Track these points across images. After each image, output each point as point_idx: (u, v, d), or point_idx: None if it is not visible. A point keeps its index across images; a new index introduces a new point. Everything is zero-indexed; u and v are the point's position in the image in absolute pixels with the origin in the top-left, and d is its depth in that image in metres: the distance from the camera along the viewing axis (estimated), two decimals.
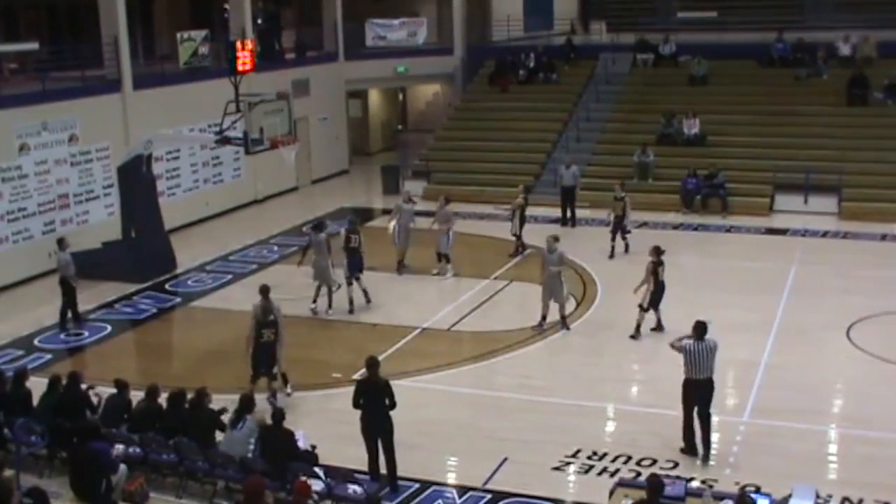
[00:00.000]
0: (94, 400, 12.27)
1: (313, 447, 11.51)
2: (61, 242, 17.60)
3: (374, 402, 11.29)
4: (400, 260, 19.95)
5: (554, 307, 16.67)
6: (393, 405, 11.30)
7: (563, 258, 16.67)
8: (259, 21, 28.53)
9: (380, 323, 17.33)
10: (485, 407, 13.96)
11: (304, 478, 10.35)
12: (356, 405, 11.37)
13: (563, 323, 16.73)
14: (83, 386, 12.34)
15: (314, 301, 17.78)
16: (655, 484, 9.29)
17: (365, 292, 18.08)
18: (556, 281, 16.57)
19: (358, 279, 17.93)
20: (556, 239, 16.84)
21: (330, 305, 17.77)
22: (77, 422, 11.49)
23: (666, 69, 30.11)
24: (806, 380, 14.47)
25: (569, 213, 23.87)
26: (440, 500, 11.25)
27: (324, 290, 17.81)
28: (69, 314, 17.47)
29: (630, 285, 15.84)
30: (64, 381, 12.28)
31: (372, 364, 11.43)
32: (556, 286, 16.58)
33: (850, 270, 19.82)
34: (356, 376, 14.73)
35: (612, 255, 20.66)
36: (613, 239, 20.75)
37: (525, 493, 11.30)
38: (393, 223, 20.04)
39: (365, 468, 11.40)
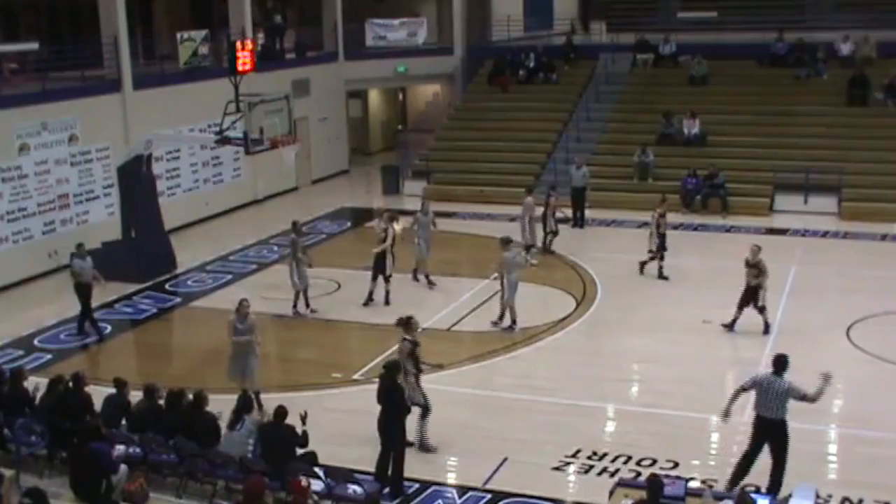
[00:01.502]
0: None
1: (304, 414, 11.12)
2: (80, 248, 17.19)
3: (387, 404, 11.39)
4: (415, 268, 19.66)
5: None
6: (404, 410, 11.39)
7: (503, 262, 16.61)
8: (278, 18, 28.61)
9: (380, 323, 17.31)
10: (485, 407, 13.96)
11: (301, 477, 10.33)
12: (379, 401, 11.56)
13: (497, 321, 16.76)
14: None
15: (307, 305, 17.79)
16: (655, 484, 9.28)
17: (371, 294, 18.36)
18: (503, 282, 16.67)
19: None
20: (507, 241, 16.87)
21: (294, 305, 17.77)
22: (78, 423, 11.47)
23: (666, 69, 30.10)
24: (806, 380, 14.41)
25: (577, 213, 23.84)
26: (440, 500, 11.24)
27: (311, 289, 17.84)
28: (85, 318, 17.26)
29: (629, 286, 15.77)
30: (69, 384, 12.20)
31: (389, 367, 11.61)
32: (502, 287, 16.67)
33: (850, 270, 19.82)
34: (356, 376, 14.82)
35: (664, 276, 19.14)
36: (662, 259, 19.20)
37: (525, 493, 11.28)
38: (414, 228, 19.69)
39: (364, 468, 11.35)
